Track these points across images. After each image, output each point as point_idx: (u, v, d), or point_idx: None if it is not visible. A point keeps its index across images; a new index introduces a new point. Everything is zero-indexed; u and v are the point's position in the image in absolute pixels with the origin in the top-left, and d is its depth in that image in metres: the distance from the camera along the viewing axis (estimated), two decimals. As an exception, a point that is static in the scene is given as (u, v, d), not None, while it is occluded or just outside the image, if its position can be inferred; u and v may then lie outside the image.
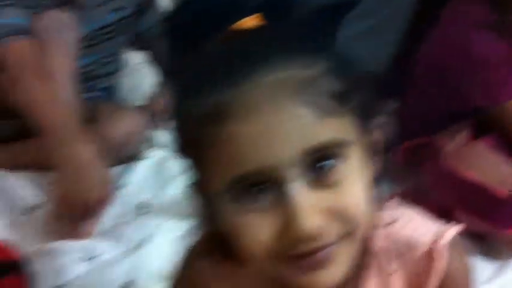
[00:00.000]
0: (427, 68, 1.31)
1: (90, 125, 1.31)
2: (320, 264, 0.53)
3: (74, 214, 1.23)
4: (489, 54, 1.20)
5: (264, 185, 0.51)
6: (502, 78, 1.22)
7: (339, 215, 0.52)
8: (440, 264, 0.61)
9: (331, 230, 0.52)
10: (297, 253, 0.52)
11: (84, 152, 1.22)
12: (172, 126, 0.58)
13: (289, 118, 0.50)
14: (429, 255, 0.62)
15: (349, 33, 0.59)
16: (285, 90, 0.50)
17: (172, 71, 0.58)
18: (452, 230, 0.63)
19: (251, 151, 0.50)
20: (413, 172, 1.24)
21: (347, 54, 0.56)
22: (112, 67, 1.68)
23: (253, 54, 0.52)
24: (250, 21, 0.56)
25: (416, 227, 0.63)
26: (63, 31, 1.35)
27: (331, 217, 0.52)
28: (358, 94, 0.54)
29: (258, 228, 0.52)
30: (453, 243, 0.62)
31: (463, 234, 0.66)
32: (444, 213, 0.66)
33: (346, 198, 0.52)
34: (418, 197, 0.68)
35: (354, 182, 0.53)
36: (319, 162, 0.51)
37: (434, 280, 0.61)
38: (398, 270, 0.63)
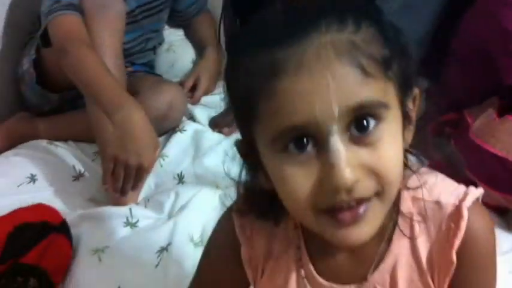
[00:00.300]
0: (461, 45, 1.31)
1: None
2: (353, 220, 0.57)
3: (127, 177, 1.27)
4: None
5: (308, 137, 0.56)
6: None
7: (374, 173, 0.56)
8: (464, 225, 0.64)
9: (366, 186, 0.56)
10: (334, 204, 0.56)
11: (138, 115, 1.25)
12: (224, 84, 0.63)
13: (336, 77, 0.54)
14: (453, 216, 0.64)
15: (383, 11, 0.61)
16: (334, 51, 0.54)
17: (230, 30, 0.62)
18: (475, 192, 0.66)
19: (300, 105, 0.54)
20: (442, 146, 1.25)
21: (394, 23, 0.59)
22: (151, 44, 1.72)
23: (309, 14, 0.56)
24: None
25: (442, 190, 0.66)
26: (110, 8, 1.39)
27: (367, 173, 0.56)
28: (400, 62, 0.58)
29: (300, 178, 0.57)
30: (476, 205, 0.65)
31: (486, 208, 0.68)
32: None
33: (382, 157, 0.56)
34: (445, 171, 0.70)
35: (390, 144, 0.57)
36: (360, 121, 0.55)
37: (458, 240, 0.64)
38: (424, 233, 0.66)
